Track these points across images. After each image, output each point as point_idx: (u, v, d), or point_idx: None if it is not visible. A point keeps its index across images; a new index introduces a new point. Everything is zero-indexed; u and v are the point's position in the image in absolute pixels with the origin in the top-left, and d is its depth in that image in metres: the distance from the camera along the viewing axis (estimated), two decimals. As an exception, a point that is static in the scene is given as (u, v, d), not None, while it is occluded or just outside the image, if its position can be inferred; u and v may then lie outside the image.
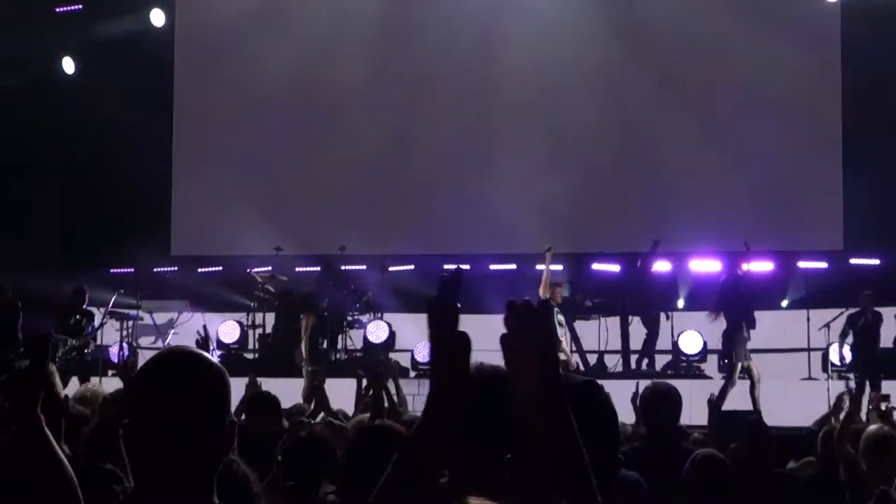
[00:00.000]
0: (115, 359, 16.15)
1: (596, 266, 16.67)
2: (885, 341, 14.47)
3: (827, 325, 14.87)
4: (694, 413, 9.39)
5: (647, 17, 17.75)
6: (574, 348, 15.62)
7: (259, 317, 16.89)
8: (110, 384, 10.38)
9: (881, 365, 14.02)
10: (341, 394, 12.89)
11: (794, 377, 14.92)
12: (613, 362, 15.61)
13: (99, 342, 15.80)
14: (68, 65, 18.17)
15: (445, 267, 17.06)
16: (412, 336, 16.29)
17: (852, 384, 13.18)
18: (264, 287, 16.54)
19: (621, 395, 8.71)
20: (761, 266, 16.17)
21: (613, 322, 15.76)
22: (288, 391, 10.40)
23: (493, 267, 16.97)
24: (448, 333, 2.03)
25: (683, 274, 16.62)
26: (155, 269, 17.82)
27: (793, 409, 12.87)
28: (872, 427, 6.18)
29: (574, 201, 17.27)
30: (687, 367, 15.68)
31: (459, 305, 2.12)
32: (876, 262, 16.35)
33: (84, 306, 15.34)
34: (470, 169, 17.66)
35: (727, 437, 8.13)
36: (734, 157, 17.18)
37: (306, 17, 18.50)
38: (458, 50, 17.93)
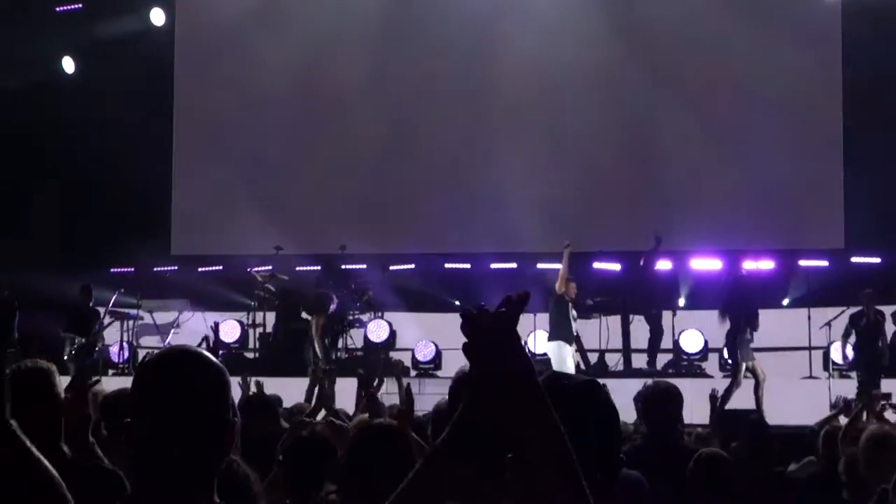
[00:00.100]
0: (115, 358, 16.19)
1: (597, 265, 16.67)
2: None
3: (828, 324, 14.87)
4: (695, 411, 9.39)
5: (648, 16, 17.75)
6: (576, 347, 15.62)
7: (259, 316, 16.89)
8: (111, 383, 10.39)
9: (884, 363, 14.00)
10: (342, 393, 12.92)
11: (796, 376, 14.91)
12: (614, 361, 15.61)
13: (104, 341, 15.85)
14: (68, 64, 18.17)
15: (450, 266, 17.12)
16: (413, 335, 16.31)
17: (853, 382, 13.16)
18: (265, 286, 16.54)
19: (624, 394, 8.72)
20: (759, 265, 16.20)
21: (614, 321, 15.76)
22: (287, 391, 10.38)
23: (493, 266, 16.97)
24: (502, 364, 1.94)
25: (684, 273, 16.62)
26: (155, 269, 17.82)
27: (794, 408, 12.89)
28: (872, 426, 6.18)
29: (574, 200, 17.27)
30: (688, 365, 15.69)
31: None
32: (877, 260, 16.36)
33: (91, 305, 15.39)
34: (470, 168, 17.66)
35: (728, 435, 8.13)
36: (735, 155, 17.17)
37: (306, 16, 18.49)
38: (458, 49, 17.92)
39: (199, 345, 12.31)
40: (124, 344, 16.30)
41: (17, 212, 17.39)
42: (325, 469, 4.55)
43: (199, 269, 17.82)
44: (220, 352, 15.56)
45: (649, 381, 7.09)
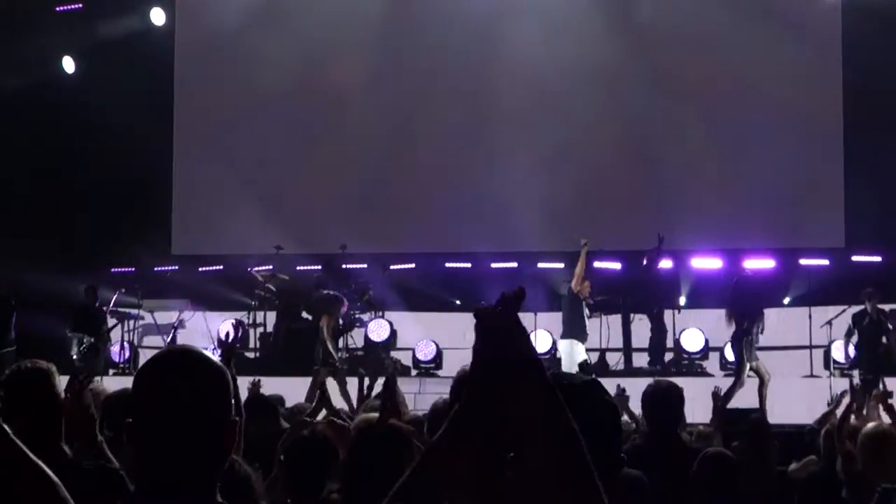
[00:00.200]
0: (116, 358, 16.20)
1: (597, 264, 16.66)
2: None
3: (829, 323, 14.88)
4: (696, 410, 9.38)
5: (648, 17, 17.75)
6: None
7: (260, 315, 16.89)
8: (111, 383, 10.39)
9: (893, 362, 13.99)
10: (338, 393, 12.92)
11: (796, 374, 14.91)
12: (615, 360, 15.61)
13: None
14: (68, 64, 18.16)
15: (450, 265, 17.12)
16: (413, 334, 16.30)
17: (856, 380, 13.16)
18: (265, 286, 16.54)
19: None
20: (760, 263, 16.19)
21: (615, 320, 15.76)
22: (287, 390, 10.38)
23: (494, 265, 16.96)
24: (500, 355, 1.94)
25: (685, 272, 16.63)
26: (156, 269, 17.82)
27: (795, 407, 12.89)
28: (871, 424, 6.17)
29: (575, 199, 17.28)
30: (689, 364, 15.69)
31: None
32: (877, 259, 16.36)
33: (97, 305, 15.42)
34: (471, 167, 17.66)
35: (730, 434, 8.13)
36: (735, 155, 17.18)
37: (307, 15, 18.49)
38: (459, 49, 17.92)
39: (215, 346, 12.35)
40: (125, 344, 16.31)
41: (17, 212, 17.38)
42: (326, 469, 4.55)
43: (200, 269, 17.82)
44: (217, 352, 15.54)
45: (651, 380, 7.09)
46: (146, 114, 17.77)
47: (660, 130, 17.52)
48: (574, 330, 14.01)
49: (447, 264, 17.48)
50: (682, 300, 16.37)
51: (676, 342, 15.71)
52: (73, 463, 3.76)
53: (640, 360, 15.74)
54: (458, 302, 16.38)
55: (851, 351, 14.44)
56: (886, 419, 6.96)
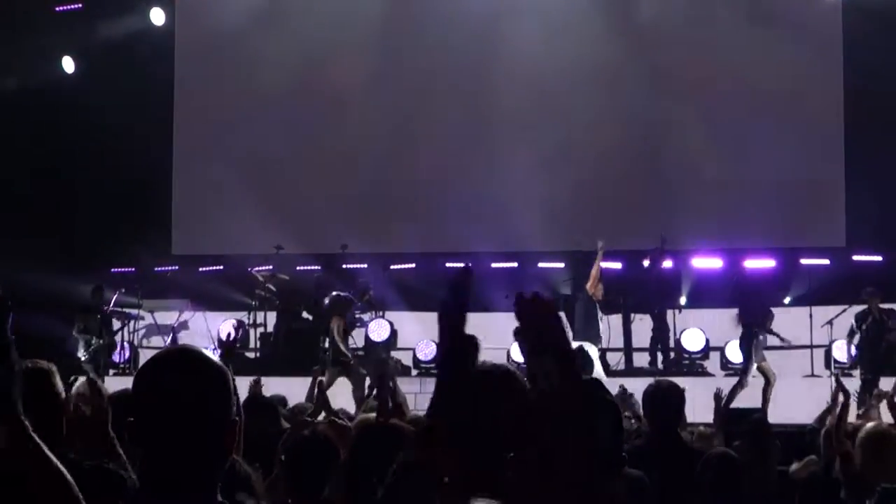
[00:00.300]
0: (116, 358, 16.20)
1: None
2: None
3: (829, 323, 14.86)
4: (696, 410, 9.38)
5: (649, 17, 17.74)
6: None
7: (260, 316, 16.89)
8: (112, 383, 10.38)
9: (887, 361, 13.99)
10: (342, 393, 12.93)
11: (797, 374, 14.91)
12: (616, 360, 15.60)
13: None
14: (68, 64, 18.16)
15: (450, 266, 17.13)
16: (414, 334, 16.29)
17: (856, 381, 13.16)
18: (266, 286, 16.54)
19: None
20: (761, 263, 16.20)
21: (615, 319, 15.74)
22: (288, 390, 10.38)
23: (494, 265, 16.95)
24: (455, 335, 2.00)
25: (686, 271, 16.63)
26: (156, 269, 17.82)
27: (796, 407, 12.88)
28: (870, 424, 6.17)
29: (575, 199, 17.27)
30: (689, 364, 15.69)
31: (466, 309, 2.09)
32: (878, 258, 16.36)
33: (103, 306, 15.44)
34: (471, 167, 17.66)
35: (731, 434, 8.13)
36: (736, 155, 17.17)
37: (307, 14, 18.49)
38: (459, 49, 17.91)
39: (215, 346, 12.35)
40: (125, 344, 16.31)
41: (17, 212, 17.38)
42: (327, 469, 4.54)
43: (200, 269, 17.82)
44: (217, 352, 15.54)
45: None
46: (146, 114, 17.77)
47: (660, 130, 17.52)
48: (588, 333, 13.83)
49: (447, 264, 17.46)
50: (683, 300, 16.37)
51: (677, 342, 15.72)
52: (74, 463, 3.75)
53: (641, 359, 15.75)
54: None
55: (853, 350, 14.44)
56: (887, 418, 6.96)
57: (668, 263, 16.06)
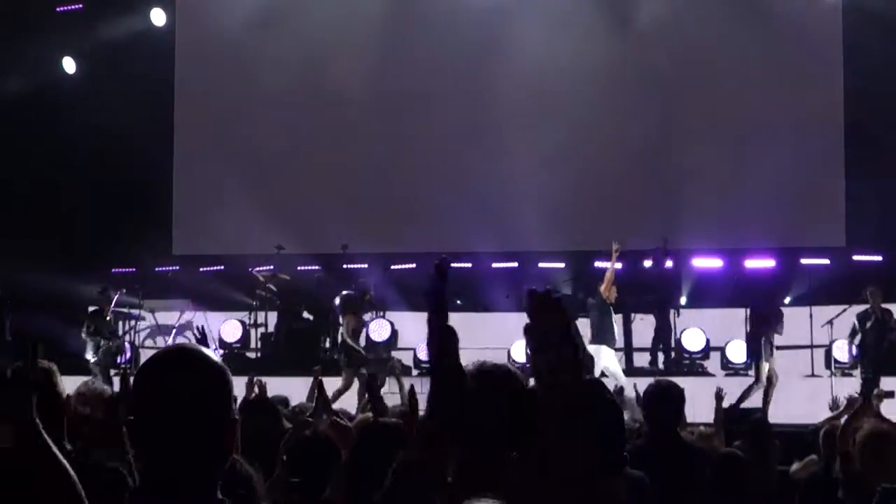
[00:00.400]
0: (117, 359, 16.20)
1: (599, 263, 16.66)
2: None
3: (830, 322, 14.86)
4: (697, 410, 9.38)
5: (649, 17, 17.73)
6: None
7: (261, 316, 16.89)
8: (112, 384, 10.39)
9: (888, 361, 13.98)
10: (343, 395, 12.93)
11: (798, 374, 14.91)
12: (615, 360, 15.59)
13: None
14: (69, 65, 18.16)
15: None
16: (415, 334, 16.28)
17: (855, 381, 13.16)
18: (266, 286, 16.54)
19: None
20: (762, 263, 16.21)
21: (615, 320, 15.73)
22: (288, 391, 10.37)
23: (495, 265, 16.96)
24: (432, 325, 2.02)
25: (686, 271, 16.63)
26: (157, 269, 17.82)
27: (796, 407, 12.89)
28: (869, 424, 6.17)
29: (576, 199, 17.28)
30: (690, 364, 15.69)
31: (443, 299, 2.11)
32: (878, 258, 16.36)
33: (112, 307, 15.44)
34: (472, 167, 17.66)
35: (731, 434, 8.13)
36: (736, 154, 17.18)
37: (308, 14, 18.49)
38: (460, 49, 17.91)
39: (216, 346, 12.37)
40: (126, 344, 16.30)
41: (17, 212, 17.38)
42: (328, 469, 4.55)
43: (201, 269, 17.82)
44: (218, 352, 15.58)
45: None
46: (147, 114, 17.76)
47: (660, 130, 17.52)
48: (604, 336, 13.75)
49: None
50: (683, 300, 16.38)
51: (677, 342, 15.72)
52: (75, 462, 3.76)
53: (641, 360, 15.74)
54: (458, 302, 16.35)
55: (855, 350, 14.43)
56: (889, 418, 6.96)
57: (669, 263, 16.06)
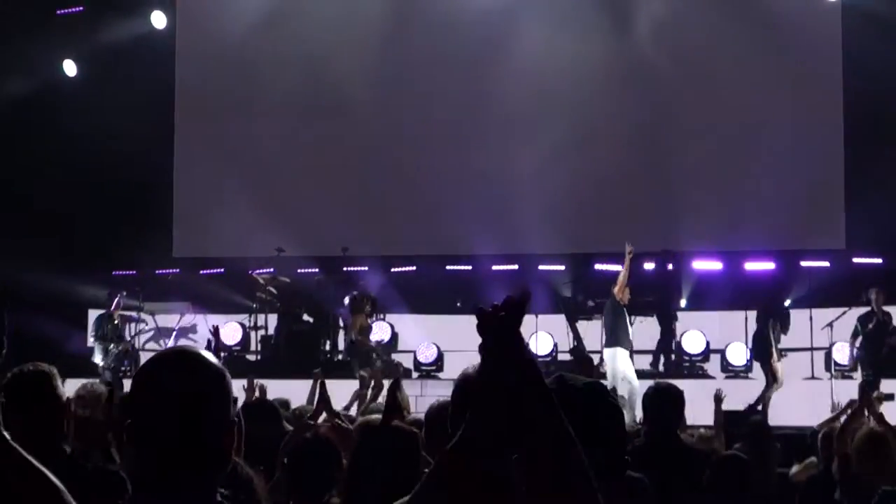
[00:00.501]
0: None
1: (599, 266, 16.67)
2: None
3: (830, 325, 14.86)
4: (696, 413, 9.38)
5: (650, 18, 17.73)
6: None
7: (261, 318, 16.89)
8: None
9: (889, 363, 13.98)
10: (343, 394, 12.93)
11: (797, 377, 14.90)
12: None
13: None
14: (70, 67, 18.16)
15: (451, 268, 17.14)
16: (414, 337, 16.30)
17: (855, 383, 13.16)
18: (266, 288, 16.54)
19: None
20: (761, 265, 16.23)
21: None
22: (287, 392, 10.37)
23: (495, 268, 16.97)
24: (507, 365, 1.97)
25: (686, 274, 16.63)
26: (157, 271, 17.82)
27: (796, 409, 12.89)
28: (865, 426, 6.18)
29: (576, 201, 17.27)
30: (690, 366, 15.69)
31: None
32: (878, 261, 16.35)
33: (120, 311, 15.46)
34: (472, 169, 17.65)
35: (731, 436, 8.14)
36: (736, 156, 17.17)
37: (307, 17, 18.49)
38: (460, 52, 17.92)
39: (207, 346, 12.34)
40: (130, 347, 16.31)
41: (17, 212, 17.38)
42: (329, 472, 4.55)
43: (201, 272, 17.82)
44: (223, 354, 15.57)
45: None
46: (147, 116, 17.77)
47: (660, 133, 17.52)
48: (618, 338, 13.64)
49: (448, 267, 17.49)
50: (683, 302, 16.38)
51: (677, 344, 15.71)
52: (75, 464, 3.77)
53: (641, 361, 15.72)
54: (459, 304, 16.37)
55: (855, 352, 14.42)
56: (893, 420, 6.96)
57: (669, 266, 16.09)
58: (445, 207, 17.44)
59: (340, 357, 16.15)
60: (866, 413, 7.67)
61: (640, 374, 14.42)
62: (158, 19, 18.17)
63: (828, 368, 14.91)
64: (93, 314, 16.54)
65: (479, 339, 2.04)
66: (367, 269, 17.07)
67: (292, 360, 15.32)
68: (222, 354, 15.66)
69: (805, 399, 13.27)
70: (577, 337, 15.80)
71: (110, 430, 4.03)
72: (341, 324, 16.21)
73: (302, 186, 17.97)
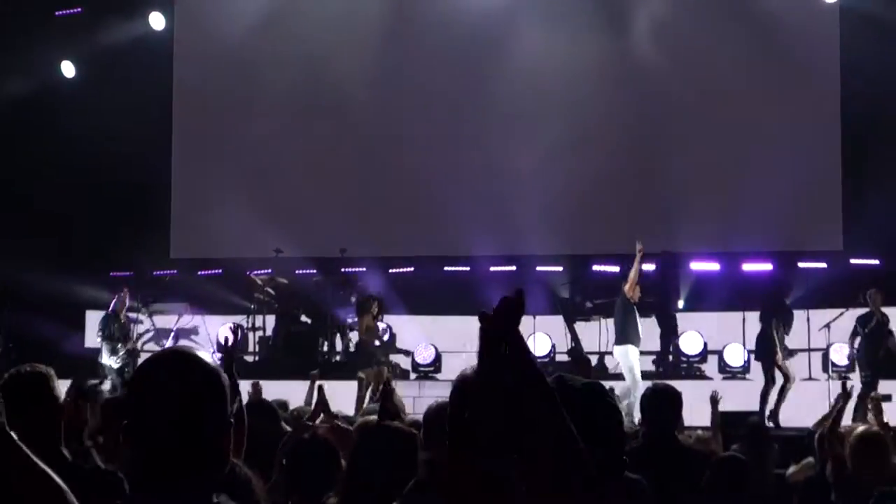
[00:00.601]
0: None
1: (596, 267, 16.69)
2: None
3: (827, 326, 14.87)
4: (694, 414, 9.39)
5: (649, 18, 17.74)
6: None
7: (259, 319, 16.88)
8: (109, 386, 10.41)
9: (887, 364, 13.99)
10: (342, 395, 12.93)
11: (795, 378, 14.90)
12: (614, 363, 15.59)
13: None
14: (68, 69, 18.16)
15: (449, 269, 17.13)
16: (412, 338, 16.30)
17: (850, 383, 13.17)
18: (264, 289, 16.54)
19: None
20: (759, 266, 16.24)
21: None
22: (286, 393, 10.39)
23: (493, 269, 16.97)
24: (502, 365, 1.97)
25: (684, 275, 16.65)
26: (155, 272, 17.81)
27: (794, 410, 12.90)
28: (860, 427, 6.18)
29: (574, 203, 17.28)
30: (687, 367, 15.69)
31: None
32: (875, 262, 16.36)
33: (125, 312, 15.45)
34: (471, 170, 17.66)
35: (729, 437, 8.15)
36: (734, 158, 17.18)
37: (306, 17, 18.50)
38: (458, 53, 17.92)
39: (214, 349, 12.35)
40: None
41: (17, 213, 17.38)
42: (327, 472, 4.55)
43: (199, 273, 17.82)
44: (216, 355, 15.53)
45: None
46: (145, 117, 17.77)
47: (659, 134, 17.53)
48: (629, 336, 13.63)
49: (446, 268, 17.49)
50: (681, 303, 16.39)
51: (675, 345, 15.72)
52: (73, 465, 3.77)
53: (642, 361, 15.71)
54: (457, 305, 16.38)
55: (854, 353, 14.43)
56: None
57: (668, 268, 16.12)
58: (444, 208, 17.45)
59: (338, 358, 16.15)
60: (868, 416, 7.69)
61: (641, 375, 14.44)
62: (157, 21, 18.18)
63: (825, 370, 14.92)
64: (91, 315, 16.54)
65: (477, 340, 2.04)
66: (365, 270, 17.08)
67: (290, 362, 15.32)
68: (217, 355, 15.69)
69: (802, 400, 13.27)
70: (574, 338, 15.82)
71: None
72: (346, 323, 16.20)
73: (300, 187, 17.97)
